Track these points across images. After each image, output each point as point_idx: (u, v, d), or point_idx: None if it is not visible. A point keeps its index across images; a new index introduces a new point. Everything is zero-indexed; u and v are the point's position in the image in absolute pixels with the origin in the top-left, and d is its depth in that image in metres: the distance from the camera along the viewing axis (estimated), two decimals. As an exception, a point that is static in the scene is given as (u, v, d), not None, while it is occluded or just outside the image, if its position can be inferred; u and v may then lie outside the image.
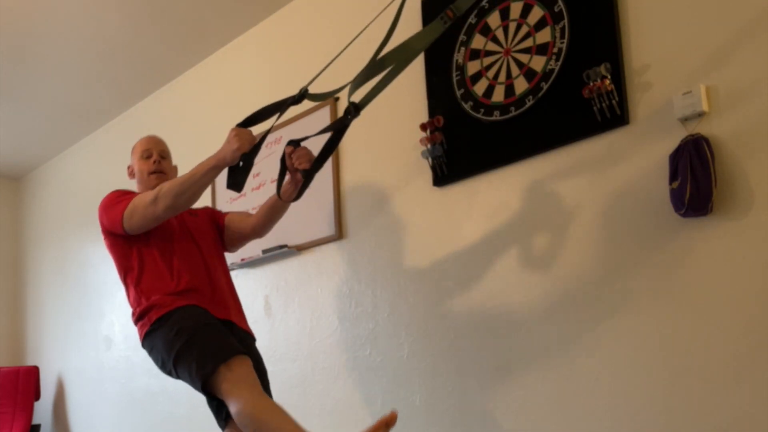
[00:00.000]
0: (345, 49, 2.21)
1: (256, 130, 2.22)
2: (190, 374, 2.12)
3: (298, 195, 2.31)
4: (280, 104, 2.18)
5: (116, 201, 2.42)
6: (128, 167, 2.71)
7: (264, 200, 2.63)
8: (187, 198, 2.23)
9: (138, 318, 2.31)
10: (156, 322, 2.23)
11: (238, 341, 2.26)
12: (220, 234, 2.64)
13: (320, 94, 2.19)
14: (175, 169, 2.71)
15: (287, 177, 2.34)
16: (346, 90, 2.11)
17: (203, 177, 2.20)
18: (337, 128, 2.20)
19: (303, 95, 2.17)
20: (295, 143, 2.28)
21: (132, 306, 2.36)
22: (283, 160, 2.30)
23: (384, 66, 2.07)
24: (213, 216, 2.70)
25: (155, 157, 2.62)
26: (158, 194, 2.25)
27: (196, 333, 2.16)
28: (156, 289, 2.30)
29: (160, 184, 2.32)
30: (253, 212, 2.65)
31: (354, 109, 2.13)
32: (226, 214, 2.71)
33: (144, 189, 2.55)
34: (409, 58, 2.08)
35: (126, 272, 2.39)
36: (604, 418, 2.18)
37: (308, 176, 2.23)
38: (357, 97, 2.11)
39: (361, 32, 2.23)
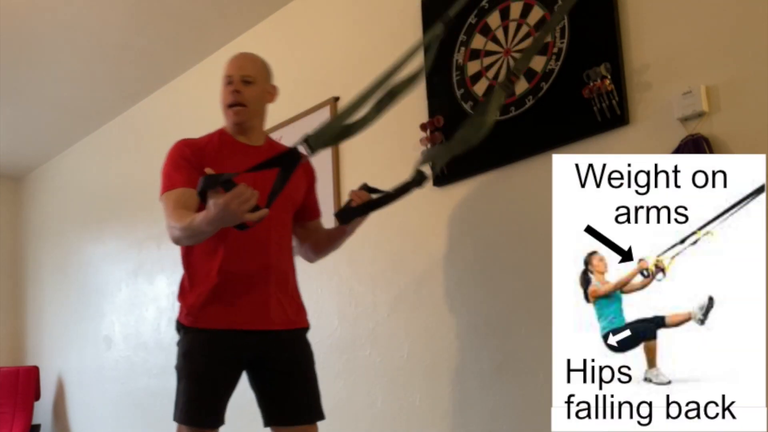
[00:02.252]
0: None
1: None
2: (175, 396, 2.17)
3: (342, 215, 2.20)
4: (282, 159, 1.99)
5: (163, 176, 2.19)
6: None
7: None
8: (193, 241, 2.09)
9: (180, 293, 2.23)
10: (182, 324, 2.21)
11: (264, 357, 2.17)
12: (296, 216, 2.33)
13: (331, 137, 2.10)
14: (272, 90, 2.32)
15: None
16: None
17: (202, 234, 2.00)
18: (402, 191, 2.16)
19: (315, 149, 2.02)
20: (368, 187, 2.21)
21: (183, 272, 2.24)
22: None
23: (462, 145, 2.15)
24: (309, 186, 2.37)
25: (234, 86, 2.22)
26: (168, 222, 2.08)
27: (190, 378, 2.13)
28: (198, 275, 2.17)
29: (176, 214, 2.05)
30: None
31: (421, 179, 2.16)
32: (318, 214, 2.42)
33: (226, 120, 2.28)
34: (484, 134, 2.12)
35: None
36: (604, 418, 2.18)
37: (351, 211, 2.16)
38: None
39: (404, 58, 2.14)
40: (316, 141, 1.98)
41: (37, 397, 5.10)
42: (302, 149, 1.98)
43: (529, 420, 2.36)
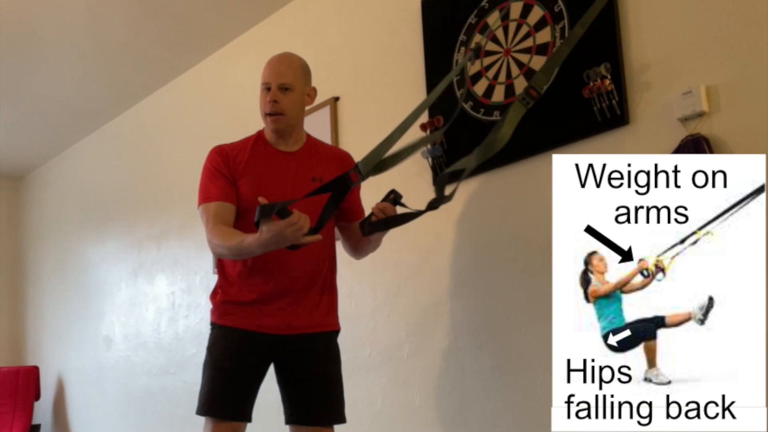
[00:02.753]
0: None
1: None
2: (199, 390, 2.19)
3: (363, 228, 2.19)
4: (335, 185, 2.06)
5: (200, 186, 2.23)
6: None
7: None
8: (233, 258, 2.15)
9: (212, 293, 2.28)
10: (212, 322, 2.25)
11: (288, 357, 2.19)
12: (340, 216, 2.32)
13: (378, 164, 2.11)
14: (311, 93, 2.30)
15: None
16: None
17: (248, 255, 2.07)
18: (417, 213, 2.18)
19: (366, 175, 2.07)
20: (396, 199, 2.21)
21: (216, 269, 2.29)
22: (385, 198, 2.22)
23: (478, 157, 2.17)
24: (353, 199, 2.33)
25: (272, 95, 2.20)
26: (209, 238, 2.13)
27: (212, 369, 2.16)
28: (229, 277, 2.21)
29: (216, 230, 2.10)
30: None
31: (442, 200, 2.19)
32: (362, 214, 2.35)
33: (266, 126, 2.28)
34: (498, 147, 2.13)
35: None
36: (604, 418, 2.18)
37: (371, 225, 2.17)
38: None
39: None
40: (365, 167, 2.06)
41: (37, 397, 5.10)
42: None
43: (529, 420, 2.36)
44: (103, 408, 4.67)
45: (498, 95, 2.52)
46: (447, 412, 2.62)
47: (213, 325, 2.24)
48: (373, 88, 3.05)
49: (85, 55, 3.96)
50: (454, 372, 2.61)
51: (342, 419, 2.22)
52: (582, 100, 2.25)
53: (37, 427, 5.06)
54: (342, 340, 3.05)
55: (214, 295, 2.27)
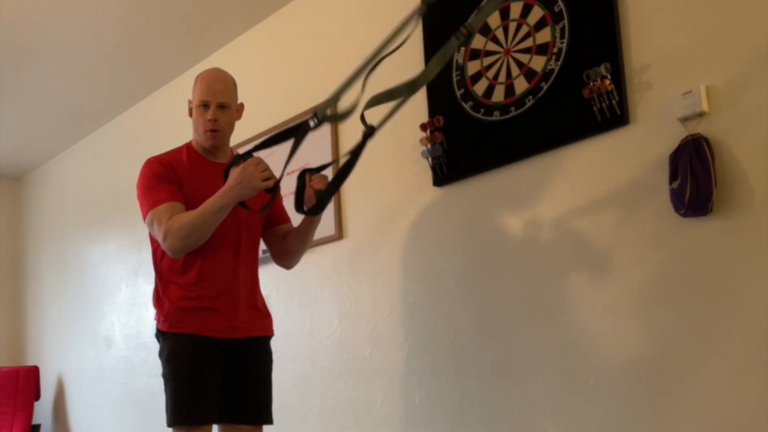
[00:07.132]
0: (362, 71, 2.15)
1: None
2: (165, 403, 2.21)
3: (312, 211, 2.22)
4: (294, 131, 2.10)
5: (142, 196, 2.32)
6: (189, 101, 2.40)
7: None
8: (198, 237, 2.17)
9: (156, 302, 2.31)
10: (161, 331, 2.28)
11: (233, 359, 2.26)
12: (264, 224, 2.46)
13: (337, 115, 2.14)
14: (240, 108, 2.42)
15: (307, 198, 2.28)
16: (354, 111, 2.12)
17: (213, 216, 2.14)
18: (356, 151, 2.14)
19: (322, 120, 2.08)
20: (312, 171, 2.24)
21: (155, 283, 2.33)
22: (301, 177, 2.23)
23: (400, 89, 2.10)
24: (276, 205, 2.50)
25: (211, 115, 2.30)
26: (167, 231, 2.17)
27: (179, 379, 2.18)
28: (172, 285, 2.26)
29: (172, 220, 2.18)
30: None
31: (370, 132, 2.13)
32: (286, 219, 2.52)
33: (198, 140, 2.37)
34: (426, 79, 2.09)
35: (154, 253, 2.35)
36: (604, 417, 2.18)
37: (322, 196, 2.18)
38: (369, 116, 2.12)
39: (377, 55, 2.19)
40: (321, 111, 2.09)
41: (37, 397, 5.10)
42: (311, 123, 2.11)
43: (529, 420, 2.36)
44: (103, 408, 4.68)
45: (498, 95, 2.52)
46: (447, 412, 2.62)
47: (165, 333, 2.25)
48: (373, 89, 3.04)
49: (85, 56, 3.96)
50: (454, 372, 2.61)
51: (271, 420, 2.32)
52: (582, 100, 2.25)
53: (37, 427, 5.06)
54: (342, 340, 3.06)
55: (159, 303, 2.28)
